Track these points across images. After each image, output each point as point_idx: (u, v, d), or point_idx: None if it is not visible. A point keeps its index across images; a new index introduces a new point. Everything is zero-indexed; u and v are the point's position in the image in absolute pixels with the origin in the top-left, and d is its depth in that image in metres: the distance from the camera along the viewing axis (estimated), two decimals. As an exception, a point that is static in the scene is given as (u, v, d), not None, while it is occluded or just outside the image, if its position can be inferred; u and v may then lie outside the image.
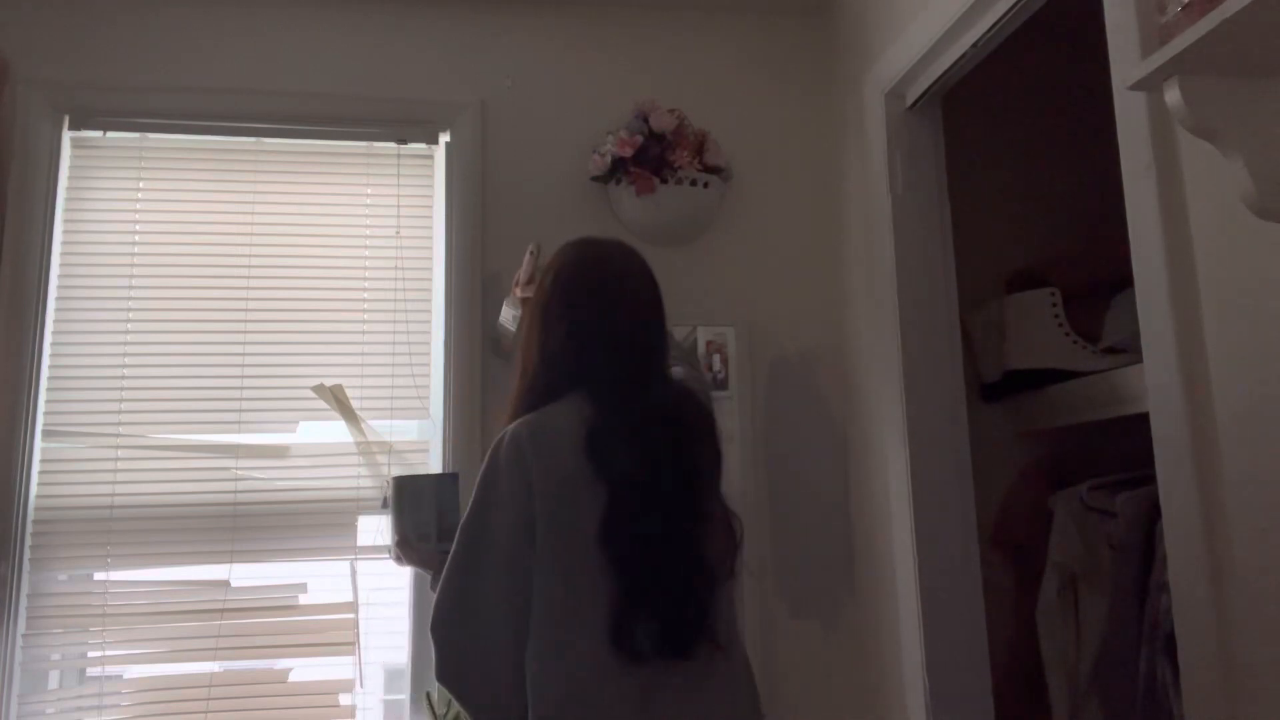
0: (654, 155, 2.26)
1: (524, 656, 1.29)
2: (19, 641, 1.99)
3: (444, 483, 1.73)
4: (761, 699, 1.41)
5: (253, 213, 2.26)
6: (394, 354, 2.25)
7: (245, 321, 2.21)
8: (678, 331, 2.42)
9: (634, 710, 1.27)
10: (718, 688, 1.34)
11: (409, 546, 1.65)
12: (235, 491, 2.13)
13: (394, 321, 2.26)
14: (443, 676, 1.34)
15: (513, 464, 1.33)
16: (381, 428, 2.21)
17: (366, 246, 2.30)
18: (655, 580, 1.30)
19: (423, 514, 1.67)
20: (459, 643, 1.33)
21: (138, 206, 2.23)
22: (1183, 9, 1.00)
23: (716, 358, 2.31)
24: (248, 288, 2.23)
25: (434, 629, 1.34)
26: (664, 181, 2.26)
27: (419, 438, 2.24)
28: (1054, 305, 2.17)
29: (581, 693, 1.28)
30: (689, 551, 1.34)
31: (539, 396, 1.40)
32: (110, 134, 2.23)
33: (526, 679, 1.29)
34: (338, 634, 2.11)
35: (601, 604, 1.29)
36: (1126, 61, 1.30)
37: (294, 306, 2.24)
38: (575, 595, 1.30)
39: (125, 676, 2.07)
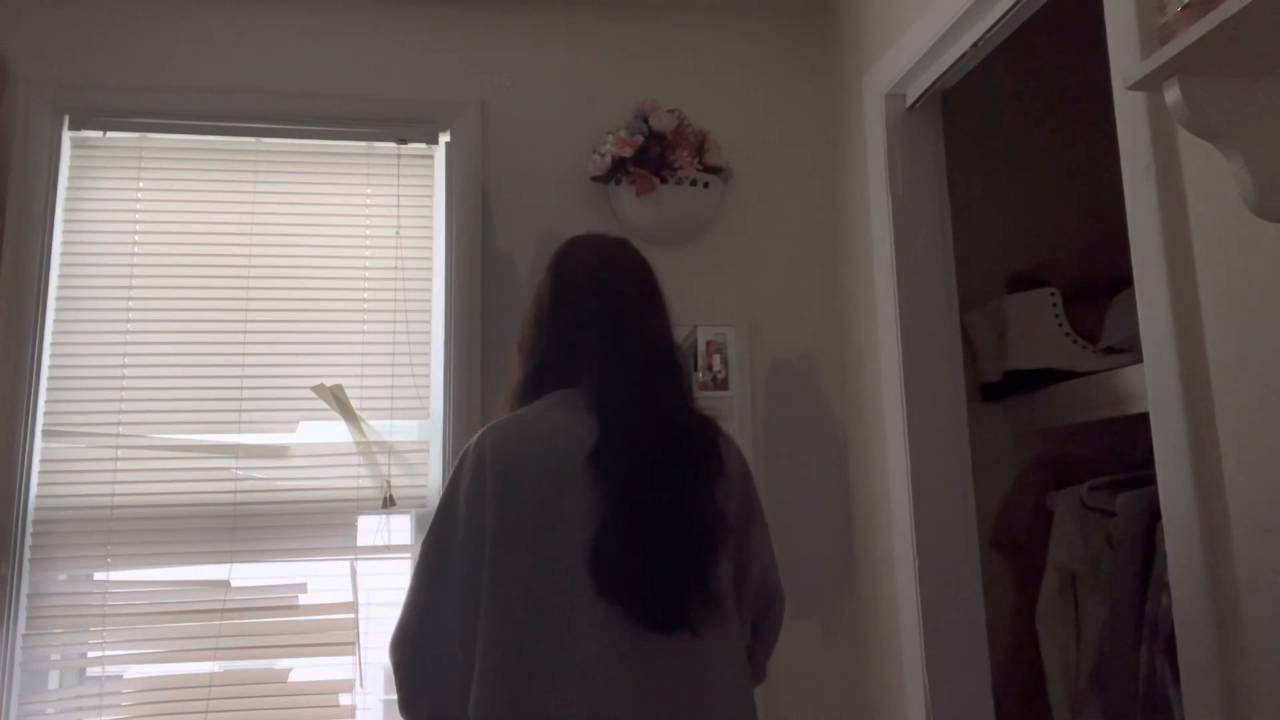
0: (654, 155, 2.26)
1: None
2: (19, 641, 1.99)
3: None
4: (759, 700, 1.40)
5: (253, 213, 2.26)
6: (394, 354, 2.25)
7: (245, 321, 2.21)
8: (678, 332, 2.43)
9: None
10: (710, 670, 1.25)
11: None
12: (235, 491, 2.13)
13: (394, 321, 2.26)
14: (406, 706, 1.27)
15: (472, 474, 1.29)
16: (381, 428, 2.21)
17: (366, 246, 2.30)
18: (639, 581, 1.22)
19: None
20: (419, 665, 1.27)
21: (138, 206, 2.23)
22: (1183, 9, 1.00)
23: (716, 358, 2.31)
24: (248, 288, 2.23)
25: (394, 649, 1.27)
26: (664, 181, 2.26)
27: (419, 438, 2.24)
28: (1054, 305, 2.17)
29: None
30: (678, 526, 1.26)
31: (530, 392, 1.40)
32: (110, 134, 2.23)
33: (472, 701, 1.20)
34: (338, 634, 2.11)
35: (574, 627, 1.20)
36: (1126, 61, 1.30)
37: (294, 307, 2.24)
38: (540, 616, 1.21)
39: (125, 676, 2.07)
